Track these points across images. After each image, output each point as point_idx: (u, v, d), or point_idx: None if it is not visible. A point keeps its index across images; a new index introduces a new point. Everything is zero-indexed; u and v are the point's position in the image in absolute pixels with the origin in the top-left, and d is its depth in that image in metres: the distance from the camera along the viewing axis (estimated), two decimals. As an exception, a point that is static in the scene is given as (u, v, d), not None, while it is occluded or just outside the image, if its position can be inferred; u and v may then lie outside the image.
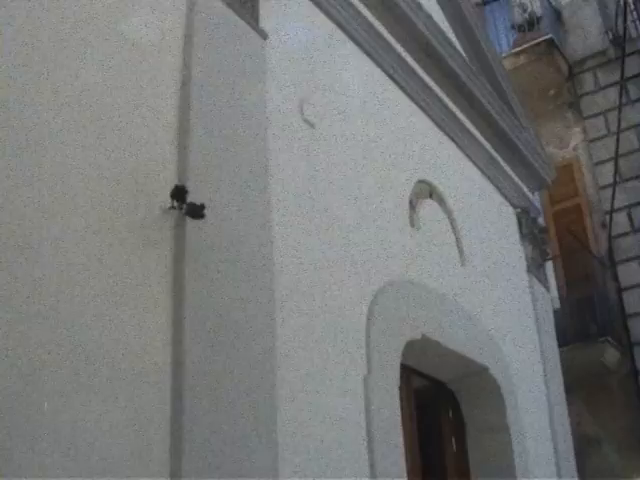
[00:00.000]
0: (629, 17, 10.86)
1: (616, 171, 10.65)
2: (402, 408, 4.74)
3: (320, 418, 3.92)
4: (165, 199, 3.30)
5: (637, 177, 10.91)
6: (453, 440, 6.14)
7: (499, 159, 7.26)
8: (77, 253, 2.88)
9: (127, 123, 3.29)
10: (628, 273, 10.66)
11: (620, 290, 10.68)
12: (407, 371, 5.18)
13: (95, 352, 2.81)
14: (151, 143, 3.39)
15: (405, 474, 4.49)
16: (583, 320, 10.31)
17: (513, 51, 11.32)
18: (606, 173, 11.00)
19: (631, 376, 10.35)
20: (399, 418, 4.60)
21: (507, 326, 6.54)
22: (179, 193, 3.31)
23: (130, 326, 2.98)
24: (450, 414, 6.14)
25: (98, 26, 3.28)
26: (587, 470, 9.37)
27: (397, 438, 4.52)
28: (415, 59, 5.95)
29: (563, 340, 8.58)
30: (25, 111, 2.86)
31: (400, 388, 4.69)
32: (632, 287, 10.58)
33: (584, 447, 9.73)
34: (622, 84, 10.69)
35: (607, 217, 10.85)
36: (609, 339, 10.13)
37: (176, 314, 3.17)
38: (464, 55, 6.67)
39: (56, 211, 2.86)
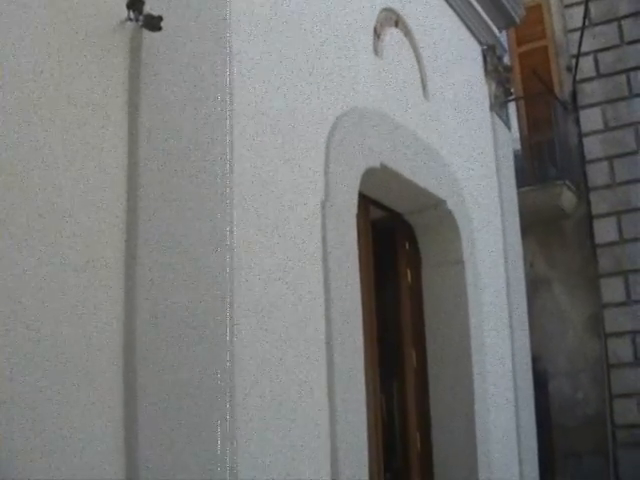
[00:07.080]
0: None
1: (586, 15, 10.51)
2: (359, 237, 4.75)
3: (276, 243, 3.93)
4: (121, 10, 3.21)
5: (606, 22, 10.78)
6: (408, 273, 6.23)
7: (467, -7, 7.09)
8: (33, 64, 2.81)
9: None
10: (590, 119, 10.71)
11: (581, 135, 10.76)
12: (365, 200, 5.19)
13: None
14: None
15: (360, 304, 4.54)
16: (542, 163, 10.43)
17: None
18: (575, 16, 10.86)
19: (585, 220, 10.58)
20: (355, 246, 4.60)
21: (467, 162, 6.55)
22: (135, 3, 3.23)
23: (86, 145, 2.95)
24: (407, 246, 6.22)
25: None
26: (535, 308, 9.68)
27: (353, 266, 4.54)
28: None
29: (521, 181, 8.66)
30: None
31: (357, 216, 4.68)
32: (593, 133, 10.65)
33: (535, 286, 10.02)
34: None
35: (573, 61, 10.79)
36: (567, 183, 10.29)
37: (131, 126, 3.14)
38: None
39: (10, 22, 2.76)
